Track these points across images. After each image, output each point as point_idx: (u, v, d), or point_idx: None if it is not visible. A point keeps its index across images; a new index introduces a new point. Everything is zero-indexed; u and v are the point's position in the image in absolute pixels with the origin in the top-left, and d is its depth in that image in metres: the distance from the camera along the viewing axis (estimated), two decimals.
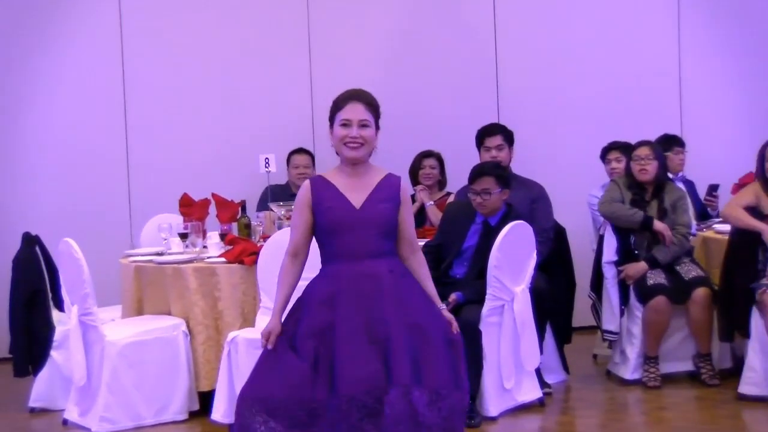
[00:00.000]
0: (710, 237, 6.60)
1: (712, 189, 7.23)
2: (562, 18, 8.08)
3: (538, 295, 5.83)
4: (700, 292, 6.11)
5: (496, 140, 6.46)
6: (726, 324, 6.02)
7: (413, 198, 7.08)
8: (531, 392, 5.80)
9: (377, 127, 3.96)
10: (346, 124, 3.89)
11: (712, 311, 6.12)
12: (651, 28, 8.07)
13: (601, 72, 8.00)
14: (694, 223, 6.65)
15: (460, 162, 6.91)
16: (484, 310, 5.57)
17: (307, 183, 3.97)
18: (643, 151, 6.35)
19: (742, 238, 5.94)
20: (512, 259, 5.64)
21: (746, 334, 5.86)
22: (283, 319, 3.89)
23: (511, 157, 6.52)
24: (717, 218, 7.03)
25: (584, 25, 8.06)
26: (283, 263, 3.98)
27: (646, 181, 6.34)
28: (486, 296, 5.58)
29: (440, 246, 5.95)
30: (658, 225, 6.26)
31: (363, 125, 3.89)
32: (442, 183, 7.51)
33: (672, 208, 6.32)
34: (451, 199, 6.83)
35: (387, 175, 3.98)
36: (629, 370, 6.27)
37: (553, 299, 6.09)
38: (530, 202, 6.23)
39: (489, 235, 5.75)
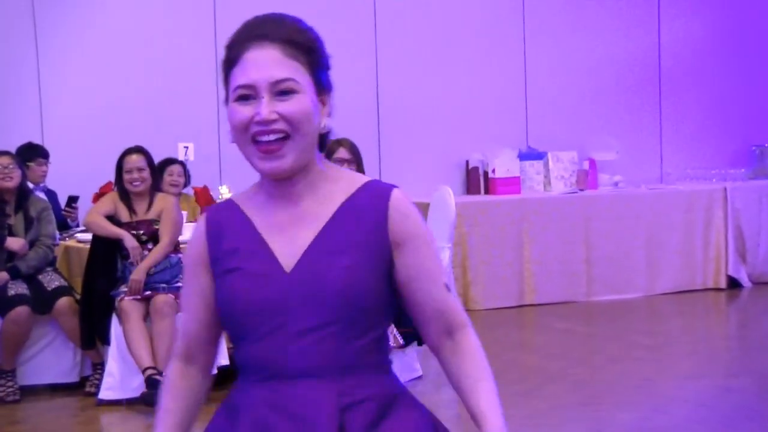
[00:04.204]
0: (72, 246, 6.66)
1: (72, 200, 7.31)
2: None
3: None
4: (63, 302, 6.12)
5: None
6: (87, 331, 6.06)
7: None
8: None
9: (323, 89, 1.95)
10: (244, 96, 1.90)
11: (77, 320, 6.12)
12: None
13: None
14: (57, 233, 6.63)
15: None
16: None
17: (200, 221, 2.04)
18: (5, 160, 6.24)
19: (101, 246, 6.06)
20: None
21: (106, 341, 5.98)
22: None
23: None
24: (77, 228, 7.11)
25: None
26: (168, 374, 2.13)
27: (9, 189, 6.23)
28: None
29: None
30: (11, 243, 6.18)
31: (282, 91, 1.88)
32: None
33: (37, 219, 6.28)
34: None
35: (363, 186, 1.98)
36: None
37: None
38: None
39: None
